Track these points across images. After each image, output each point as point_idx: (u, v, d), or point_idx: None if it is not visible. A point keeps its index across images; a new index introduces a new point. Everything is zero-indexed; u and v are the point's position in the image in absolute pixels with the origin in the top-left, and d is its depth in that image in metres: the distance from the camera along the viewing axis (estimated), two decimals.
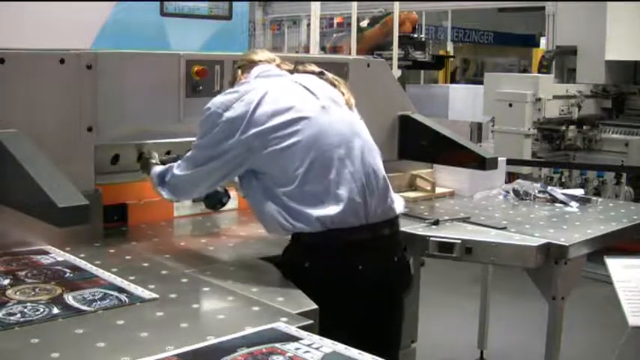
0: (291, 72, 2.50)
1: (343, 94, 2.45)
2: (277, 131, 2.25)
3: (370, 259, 2.29)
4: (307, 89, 2.38)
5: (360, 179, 2.30)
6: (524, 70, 13.71)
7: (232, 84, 2.52)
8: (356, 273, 2.26)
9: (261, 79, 2.41)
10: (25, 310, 1.85)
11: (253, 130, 2.25)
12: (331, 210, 2.22)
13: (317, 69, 2.52)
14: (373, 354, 1.83)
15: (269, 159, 2.26)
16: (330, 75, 2.50)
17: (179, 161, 2.46)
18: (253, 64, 2.50)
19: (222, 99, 2.33)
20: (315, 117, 2.30)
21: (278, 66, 2.52)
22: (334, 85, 2.46)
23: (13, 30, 4.52)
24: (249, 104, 2.27)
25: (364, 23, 8.96)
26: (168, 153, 3.03)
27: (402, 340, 3.48)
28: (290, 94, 2.34)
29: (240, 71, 2.52)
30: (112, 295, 1.99)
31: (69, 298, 1.95)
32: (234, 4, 5.88)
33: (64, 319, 1.82)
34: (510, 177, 5.15)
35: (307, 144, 2.25)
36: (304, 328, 1.77)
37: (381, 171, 2.39)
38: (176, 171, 2.44)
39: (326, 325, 1.96)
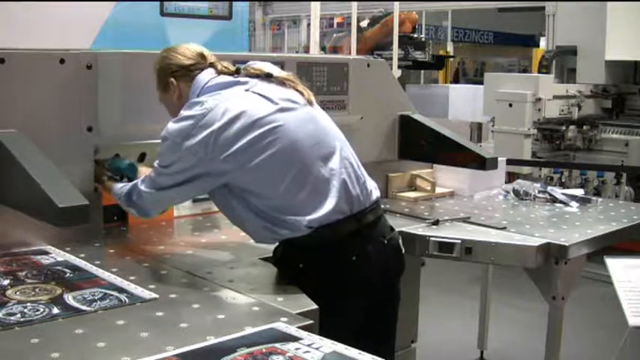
0: (233, 74, 2.37)
1: (302, 93, 2.37)
2: (247, 150, 2.17)
3: (361, 248, 2.28)
4: (263, 97, 2.27)
5: (341, 175, 2.29)
6: (524, 70, 13.71)
7: (173, 97, 2.38)
8: (350, 265, 2.26)
9: (210, 95, 2.27)
10: (25, 310, 1.85)
11: (220, 155, 2.17)
12: (318, 213, 2.21)
13: (264, 70, 2.38)
14: (376, 347, 1.85)
15: (244, 176, 2.20)
16: (280, 75, 2.38)
17: (145, 179, 2.34)
18: (188, 71, 2.37)
19: (178, 126, 2.20)
20: (283, 125, 2.22)
21: (213, 67, 2.38)
22: (287, 86, 2.36)
23: (13, 30, 4.52)
24: (208, 128, 2.17)
25: (364, 23, 8.95)
26: None
27: (402, 340, 3.51)
28: (249, 107, 2.22)
29: (174, 81, 2.37)
30: (112, 295, 1.99)
31: (69, 298, 1.95)
32: (234, 4, 5.88)
33: (64, 319, 1.82)
34: (510, 177, 5.15)
35: (282, 154, 2.20)
36: (304, 328, 1.77)
37: (356, 160, 2.38)
38: (143, 189, 2.32)
39: (327, 321, 1.97)
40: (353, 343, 1.68)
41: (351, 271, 2.26)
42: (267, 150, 2.19)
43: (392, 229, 2.46)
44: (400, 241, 2.45)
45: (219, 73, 2.37)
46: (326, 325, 1.94)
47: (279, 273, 2.30)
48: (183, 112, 2.23)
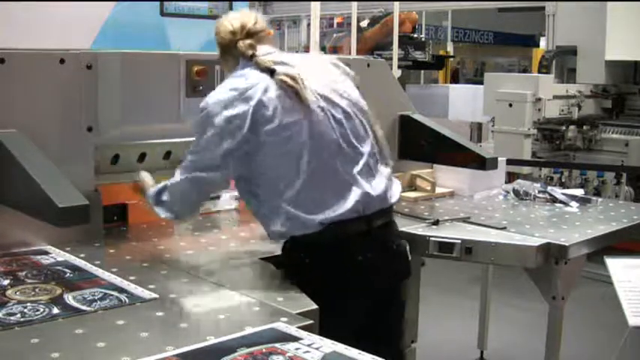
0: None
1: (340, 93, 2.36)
2: (278, 134, 2.19)
3: (368, 250, 2.29)
4: (300, 85, 2.26)
5: (359, 174, 2.29)
6: (524, 70, 13.71)
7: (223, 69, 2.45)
8: (355, 265, 2.26)
9: (255, 71, 2.27)
10: (25, 310, 1.85)
11: (253, 131, 2.19)
12: (333, 212, 2.22)
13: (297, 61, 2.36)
14: (376, 347, 1.84)
15: (271, 160, 2.21)
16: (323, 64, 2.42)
17: (176, 170, 2.36)
18: (233, 43, 2.35)
19: (220, 97, 2.24)
20: (313, 116, 2.24)
21: (251, 47, 2.34)
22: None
23: (13, 30, 4.52)
24: (249, 101, 2.19)
25: (364, 23, 8.95)
26: (168, 153, 3.03)
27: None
28: (285, 93, 2.23)
29: (220, 50, 2.41)
30: (112, 295, 1.99)
31: (69, 298, 1.95)
32: (234, 4, 5.88)
33: (64, 319, 1.82)
34: (510, 177, 5.15)
35: (310, 146, 2.22)
36: (304, 328, 1.77)
37: (371, 155, 2.36)
38: (174, 180, 2.35)
39: (329, 320, 1.97)
40: (352, 343, 1.68)
41: (354, 270, 2.26)
42: (292, 140, 2.20)
43: (400, 235, 2.48)
44: (407, 248, 2.46)
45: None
46: (326, 324, 1.94)
47: (284, 267, 2.30)
48: (227, 83, 2.27)
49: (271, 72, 2.26)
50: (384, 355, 1.74)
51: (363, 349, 1.64)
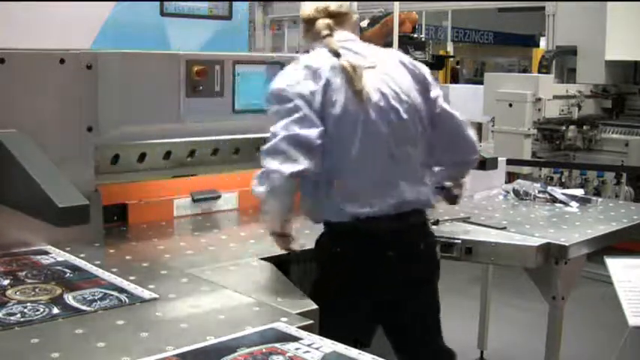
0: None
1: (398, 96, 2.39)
2: (338, 119, 2.25)
3: (398, 247, 2.33)
4: (357, 76, 2.31)
5: (402, 177, 2.33)
6: (524, 70, 13.71)
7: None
8: (384, 260, 2.31)
9: (325, 52, 2.35)
10: (25, 310, 1.85)
11: (321, 110, 2.24)
12: (369, 208, 2.27)
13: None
14: (406, 344, 1.91)
15: (325, 146, 2.24)
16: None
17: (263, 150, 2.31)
18: (311, 24, 2.44)
19: (293, 73, 2.30)
20: (370, 112, 2.29)
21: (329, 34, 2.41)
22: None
23: (13, 30, 4.52)
24: (319, 81, 2.26)
25: (364, 23, 8.95)
26: (168, 153, 3.03)
27: None
28: (349, 82, 2.29)
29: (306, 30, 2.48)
30: (112, 295, 1.99)
31: (69, 298, 1.95)
32: (234, 4, 5.87)
33: (64, 319, 1.82)
34: (510, 177, 5.15)
35: (359, 141, 2.27)
36: (304, 328, 1.77)
37: (418, 159, 2.40)
38: (269, 145, 2.26)
39: (352, 314, 2.10)
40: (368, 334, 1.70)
41: (384, 265, 2.31)
42: (352, 129, 2.26)
43: (432, 236, 2.53)
44: (438, 249, 2.53)
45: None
46: (349, 317, 2.07)
47: (315, 256, 2.37)
48: (300, 61, 2.34)
49: (337, 55, 2.32)
50: (403, 346, 1.81)
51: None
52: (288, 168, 2.17)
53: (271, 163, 2.20)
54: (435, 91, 2.45)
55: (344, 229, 2.28)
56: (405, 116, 2.34)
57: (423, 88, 2.42)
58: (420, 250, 2.43)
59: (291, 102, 2.23)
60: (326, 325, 1.92)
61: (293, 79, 2.28)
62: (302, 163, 2.18)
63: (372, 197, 2.28)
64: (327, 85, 2.25)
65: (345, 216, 2.27)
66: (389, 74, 2.37)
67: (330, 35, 2.37)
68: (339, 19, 2.42)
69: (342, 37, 2.39)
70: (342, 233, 2.30)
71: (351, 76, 2.27)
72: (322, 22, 2.40)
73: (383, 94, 2.32)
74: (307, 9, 2.45)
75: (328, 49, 2.35)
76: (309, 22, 2.44)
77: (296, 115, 2.22)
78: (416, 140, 2.38)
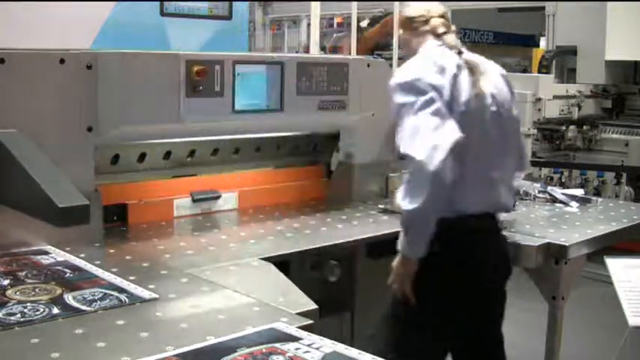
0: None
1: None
2: (461, 115, 2.29)
3: (492, 246, 2.45)
4: (477, 76, 2.40)
5: (500, 181, 2.44)
6: (524, 70, 13.70)
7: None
8: (478, 258, 2.40)
9: (446, 50, 2.43)
10: (25, 310, 1.85)
11: (448, 104, 2.28)
12: (467, 206, 2.36)
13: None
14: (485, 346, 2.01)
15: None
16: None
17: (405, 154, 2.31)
18: (412, 22, 2.54)
19: (419, 67, 2.34)
20: (485, 114, 2.37)
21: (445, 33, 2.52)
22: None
23: (13, 30, 4.52)
24: (446, 76, 2.31)
25: (364, 23, 8.96)
26: (168, 153, 3.03)
27: None
28: (471, 81, 2.36)
29: (402, 30, 2.58)
30: (112, 295, 1.99)
31: (69, 298, 1.95)
32: (234, 4, 5.88)
33: (64, 319, 1.82)
34: None
35: (475, 140, 2.33)
36: (304, 328, 1.77)
37: (512, 167, 2.52)
38: (414, 144, 2.26)
39: (441, 308, 2.23)
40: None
41: (479, 264, 2.41)
42: (471, 127, 2.31)
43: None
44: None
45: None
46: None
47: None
48: (421, 57, 2.40)
49: (459, 53, 2.42)
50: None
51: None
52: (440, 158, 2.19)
53: (431, 158, 2.18)
54: (516, 108, 2.57)
55: (444, 225, 2.30)
56: (507, 124, 2.47)
57: (514, 102, 2.54)
58: (504, 251, 2.56)
59: (426, 93, 2.27)
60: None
61: (423, 71, 2.32)
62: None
63: (473, 197, 2.37)
64: (454, 81, 2.31)
65: (446, 212, 2.30)
66: (496, 83, 2.46)
67: (447, 33, 2.47)
68: (446, 22, 2.53)
69: (452, 41, 2.48)
70: (442, 229, 2.30)
71: (474, 74, 2.37)
72: (438, 20, 2.50)
73: (494, 100, 2.41)
74: (419, 8, 2.54)
75: (448, 46, 2.44)
76: (421, 20, 2.52)
77: (434, 107, 2.26)
78: (512, 149, 2.51)
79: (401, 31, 2.60)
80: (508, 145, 2.49)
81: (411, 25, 2.55)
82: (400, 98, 2.30)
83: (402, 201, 2.26)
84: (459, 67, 2.36)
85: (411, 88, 2.29)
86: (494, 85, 2.44)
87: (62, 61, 2.49)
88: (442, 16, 2.53)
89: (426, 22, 2.52)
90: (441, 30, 2.49)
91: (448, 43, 2.46)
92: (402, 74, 2.36)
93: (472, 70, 2.38)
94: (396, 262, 2.41)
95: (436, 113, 2.24)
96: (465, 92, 2.32)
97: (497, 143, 2.43)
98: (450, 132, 2.22)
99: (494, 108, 2.41)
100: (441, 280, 2.38)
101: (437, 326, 2.41)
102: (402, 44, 2.66)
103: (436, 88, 2.28)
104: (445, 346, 2.51)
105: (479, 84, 2.37)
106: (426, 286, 2.37)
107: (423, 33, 2.52)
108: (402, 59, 7.74)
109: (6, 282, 2.06)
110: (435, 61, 2.36)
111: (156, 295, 2.00)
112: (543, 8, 8.21)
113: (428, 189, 2.18)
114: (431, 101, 2.25)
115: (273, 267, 2.33)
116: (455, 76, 2.32)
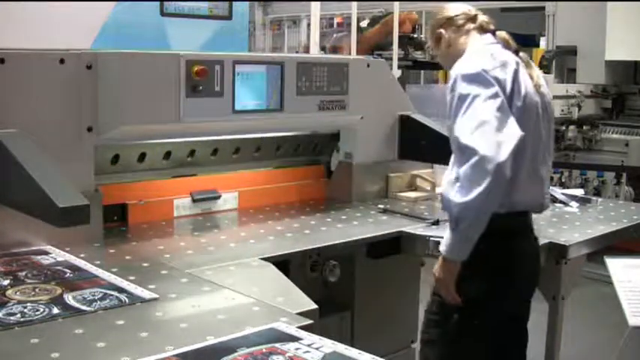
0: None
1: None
2: (520, 113, 2.29)
3: (527, 245, 2.47)
4: (535, 73, 2.43)
5: (545, 178, 2.48)
6: None
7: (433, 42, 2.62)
8: (516, 257, 2.41)
9: (500, 46, 2.44)
10: (25, 310, 1.85)
11: (509, 100, 2.27)
12: (523, 200, 2.38)
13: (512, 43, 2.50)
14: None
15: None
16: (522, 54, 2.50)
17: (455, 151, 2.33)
18: (453, 21, 2.54)
19: (480, 61, 2.33)
20: (539, 110, 2.39)
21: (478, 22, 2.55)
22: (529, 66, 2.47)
23: (13, 30, 4.52)
24: (507, 71, 2.31)
25: (364, 23, 8.95)
26: (168, 153, 3.03)
27: (402, 340, 3.51)
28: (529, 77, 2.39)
29: (443, 31, 2.56)
30: (112, 295, 1.99)
31: (69, 298, 1.95)
32: (234, 4, 5.88)
33: (64, 319, 1.82)
34: None
35: (531, 137, 2.33)
36: (304, 328, 1.77)
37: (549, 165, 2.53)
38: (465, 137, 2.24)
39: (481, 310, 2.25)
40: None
41: (517, 264, 2.42)
42: (527, 125, 2.31)
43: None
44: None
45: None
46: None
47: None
48: (478, 53, 2.39)
49: (515, 50, 2.44)
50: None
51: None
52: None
53: (497, 154, 2.16)
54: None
55: (498, 223, 2.27)
56: (551, 121, 2.49)
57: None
58: (537, 249, 2.58)
59: (492, 87, 2.26)
60: None
61: (487, 65, 2.31)
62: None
63: (522, 194, 2.36)
64: (515, 76, 2.31)
65: (503, 207, 2.30)
66: (540, 80, 2.47)
67: (497, 30, 2.50)
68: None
69: (506, 36, 2.50)
70: (496, 226, 2.27)
71: (530, 69, 2.40)
72: (483, 17, 2.53)
73: (544, 96, 2.44)
74: (458, 7, 2.57)
75: (504, 41, 2.46)
76: (465, 18, 2.53)
77: (498, 102, 2.25)
78: (552, 148, 2.54)
79: (442, 31, 2.56)
80: (550, 141, 2.51)
81: (454, 23, 2.54)
82: (464, 89, 2.27)
83: (456, 194, 2.20)
84: (517, 62, 2.37)
85: (477, 79, 2.27)
86: (542, 81, 2.48)
87: (62, 61, 2.49)
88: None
89: (472, 19, 2.53)
90: (492, 27, 2.51)
91: (503, 38, 2.48)
92: (466, 66, 2.33)
93: (528, 65, 2.41)
94: (437, 268, 2.36)
95: (500, 108, 2.23)
96: (523, 88, 2.33)
97: (545, 139, 2.45)
98: (514, 129, 2.21)
99: (544, 104, 2.43)
100: (491, 278, 2.37)
101: (491, 326, 2.42)
102: (442, 44, 2.58)
103: (500, 83, 2.27)
104: (497, 347, 2.51)
105: (536, 80, 2.40)
106: (475, 286, 2.35)
107: (468, 31, 2.52)
108: (402, 59, 7.74)
109: (6, 282, 2.06)
110: (494, 56, 2.35)
111: (156, 295, 2.00)
112: (543, 8, 8.20)
113: (486, 183, 2.14)
114: (496, 95, 2.24)
115: (273, 267, 2.33)
116: (515, 72, 2.32)
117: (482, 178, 2.14)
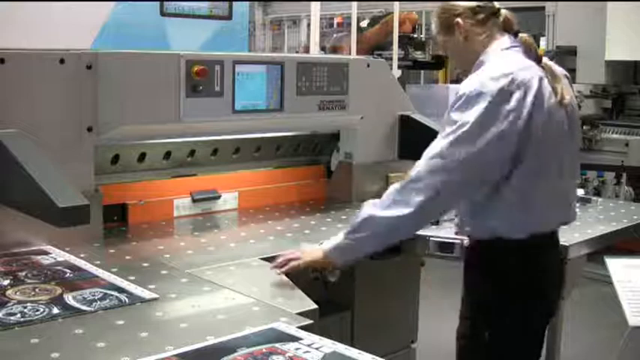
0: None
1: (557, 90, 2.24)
2: (543, 128, 2.12)
3: (551, 260, 2.38)
4: (560, 85, 2.22)
5: (570, 192, 2.37)
6: None
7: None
8: (540, 274, 2.33)
9: (521, 54, 2.20)
10: (25, 310, 1.85)
11: (531, 114, 2.09)
12: (542, 224, 2.28)
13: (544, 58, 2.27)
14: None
15: (529, 160, 2.14)
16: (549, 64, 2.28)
17: (420, 164, 2.24)
18: (474, 12, 2.23)
19: (497, 83, 2.07)
20: (564, 124, 2.22)
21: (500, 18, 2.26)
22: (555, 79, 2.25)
23: (13, 30, 4.52)
24: (526, 96, 2.08)
25: (364, 23, 8.95)
26: (168, 153, 3.03)
27: (402, 340, 3.51)
28: (550, 84, 2.17)
29: (460, 21, 2.24)
30: (112, 295, 1.99)
31: (69, 298, 1.95)
32: (234, 4, 5.88)
33: (64, 319, 1.82)
34: None
35: (560, 149, 2.22)
36: (304, 328, 1.77)
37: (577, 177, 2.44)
38: (423, 165, 2.19)
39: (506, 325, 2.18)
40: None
41: (541, 279, 2.34)
42: (551, 138, 2.17)
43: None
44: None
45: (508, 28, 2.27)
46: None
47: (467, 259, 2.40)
48: (503, 60, 2.15)
49: (538, 59, 2.21)
50: None
51: None
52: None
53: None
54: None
55: (511, 238, 2.21)
56: (578, 130, 2.37)
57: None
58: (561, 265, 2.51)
59: (489, 113, 2.07)
60: None
61: (501, 91, 2.08)
62: None
63: (548, 211, 2.27)
64: (539, 92, 2.12)
65: (522, 231, 2.21)
66: (567, 87, 2.28)
67: (520, 31, 2.25)
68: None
69: (531, 39, 2.27)
70: (509, 243, 2.22)
71: (556, 81, 2.20)
72: (507, 14, 2.26)
73: (570, 107, 2.25)
74: (475, 3, 2.26)
75: (528, 46, 2.23)
76: (490, 11, 2.24)
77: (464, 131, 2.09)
78: (578, 163, 2.42)
79: (459, 20, 2.24)
80: (577, 153, 2.37)
81: (474, 16, 2.23)
82: (465, 116, 2.09)
83: (382, 207, 2.24)
84: (540, 78, 2.15)
85: (485, 114, 2.07)
86: (567, 90, 2.26)
87: (62, 61, 2.49)
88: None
89: (495, 14, 2.24)
90: (515, 27, 2.23)
91: (526, 42, 2.22)
92: (476, 85, 2.10)
93: (553, 76, 2.20)
94: (315, 251, 2.27)
95: (502, 137, 2.08)
96: (546, 102, 2.14)
97: (573, 152, 2.31)
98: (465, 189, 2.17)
99: (570, 120, 2.26)
100: (521, 296, 2.29)
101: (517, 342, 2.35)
102: (458, 34, 2.27)
103: (512, 112, 2.08)
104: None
105: (561, 92, 2.19)
106: (509, 311, 2.29)
107: (491, 27, 2.24)
108: (402, 59, 7.74)
109: (6, 282, 2.06)
110: (514, 78, 2.10)
111: (156, 295, 2.00)
112: (543, 8, 8.21)
113: (409, 210, 2.23)
114: (507, 114, 2.07)
115: None
116: (535, 97, 2.10)
117: (406, 205, 2.23)
